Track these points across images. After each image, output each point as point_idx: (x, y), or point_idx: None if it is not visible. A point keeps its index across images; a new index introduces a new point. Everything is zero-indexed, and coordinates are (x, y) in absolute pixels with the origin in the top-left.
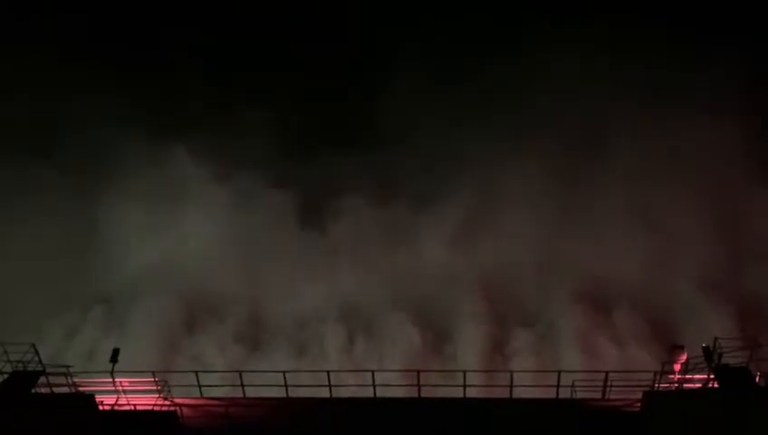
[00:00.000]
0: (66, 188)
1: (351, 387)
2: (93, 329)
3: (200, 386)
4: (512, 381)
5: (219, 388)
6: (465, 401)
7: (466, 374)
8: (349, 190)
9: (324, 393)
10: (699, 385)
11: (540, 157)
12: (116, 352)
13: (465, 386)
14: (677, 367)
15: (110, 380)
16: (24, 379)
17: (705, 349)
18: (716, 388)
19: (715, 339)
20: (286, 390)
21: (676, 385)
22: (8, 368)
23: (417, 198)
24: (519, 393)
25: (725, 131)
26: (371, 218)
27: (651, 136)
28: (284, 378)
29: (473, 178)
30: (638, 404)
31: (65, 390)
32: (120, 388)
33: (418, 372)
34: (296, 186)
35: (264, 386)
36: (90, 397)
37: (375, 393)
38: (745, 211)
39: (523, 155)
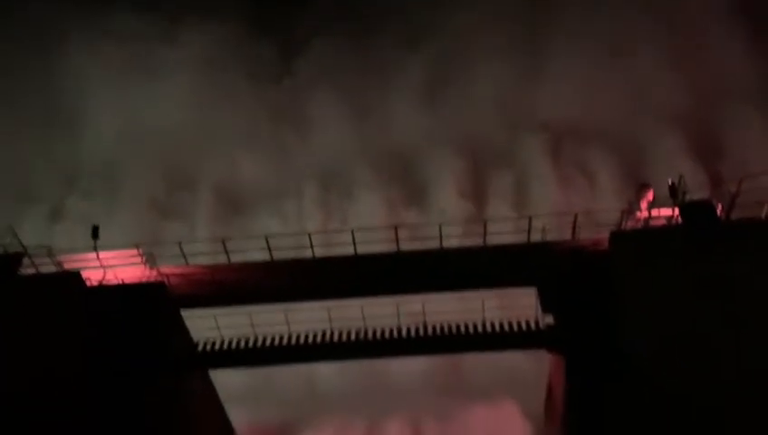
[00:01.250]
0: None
1: (333, 246)
2: (71, 209)
3: (185, 255)
4: (485, 230)
5: (204, 256)
6: (443, 253)
7: (442, 226)
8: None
9: (307, 254)
10: (664, 222)
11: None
12: (96, 229)
13: (441, 238)
14: (644, 205)
15: (95, 256)
16: (6, 262)
17: (671, 186)
18: (680, 224)
19: (680, 176)
20: (270, 253)
21: (643, 223)
22: None
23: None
24: (493, 240)
25: None
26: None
27: None
28: (267, 242)
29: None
30: (607, 243)
31: (50, 269)
32: (106, 263)
33: (396, 227)
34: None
35: (248, 251)
36: (75, 274)
37: (356, 251)
38: (713, 48)
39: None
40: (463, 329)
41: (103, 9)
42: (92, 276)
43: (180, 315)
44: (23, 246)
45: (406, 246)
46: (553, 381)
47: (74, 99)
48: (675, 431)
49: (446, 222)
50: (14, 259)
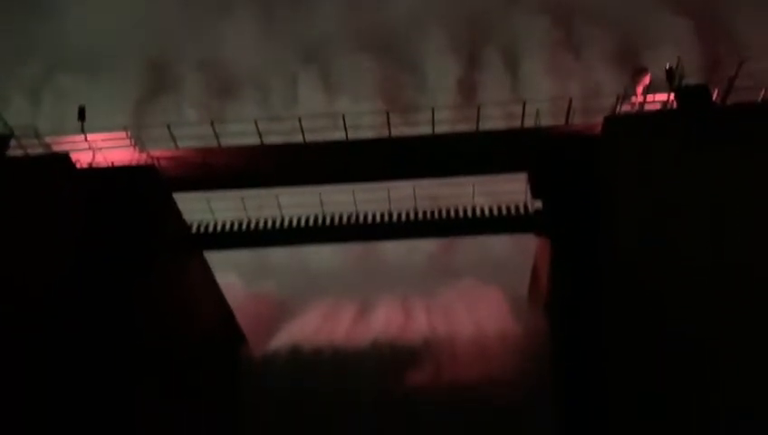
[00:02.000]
0: None
1: (323, 131)
2: (55, 93)
3: (174, 138)
4: (478, 115)
5: (194, 139)
6: (435, 137)
7: (435, 111)
8: None
9: (297, 138)
10: (659, 107)
11: None
12: (82, 110)
13: (433, 122)
14: (640, 90)
15: (82, 138)
16: None
17: (668, 70)
18: (674, 108)
19: (678, 59)
20: (260, 137)
21: (638, 108)
22: None
23: None
24: (486, 126)
25: None
26: None
27: None
28: (257, 126)
29: None
30: (600, 128)
31: (38, 151)
32: (94, 146)
33: (387, 112)
34: None
35: (238, 135)
36: (65, 156)
37: (347, 136)
38: None
39: None
40: (453, 214)
41: None
42: (81, 159)
43: (172, 198)
44: (9, 128)
45: (397, 131)
46: (539, 264)
47: None
48: (656, 316)
49: (438, 106)
50: (1, 141)
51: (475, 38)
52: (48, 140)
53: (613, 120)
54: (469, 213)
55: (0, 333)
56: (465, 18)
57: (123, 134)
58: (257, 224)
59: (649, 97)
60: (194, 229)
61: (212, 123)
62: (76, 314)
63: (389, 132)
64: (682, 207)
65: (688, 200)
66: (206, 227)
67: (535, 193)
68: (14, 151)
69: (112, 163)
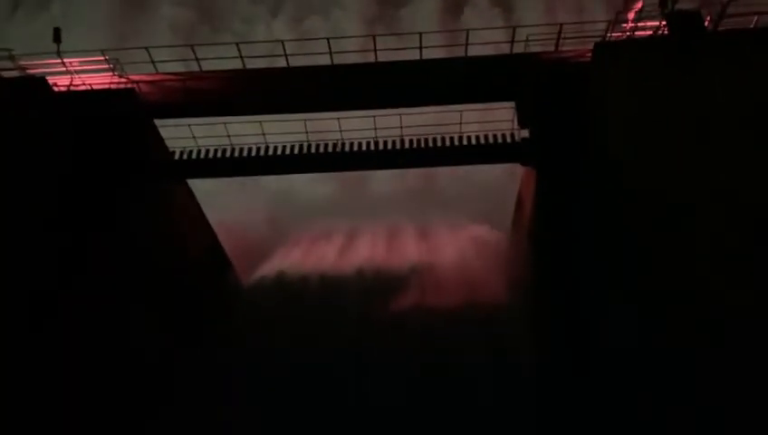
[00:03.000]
0: None
1: (308, 55)
2: (27, 14)
3: (153, 62)
4: (467, 40)
5: (174, 63)
6: (422, 63)
7: (422, 36)
8: None
9: (281, 63)
10: (650, 33)
11: None
12: (57, 31)
13: (420, 48)
14: (631, 15)
15: (59, 61)
16: None
17: None
18: (666, 34)
19: None
20: (242, 61)
21: (629, 35)
22: None
23: None
24: (475, 51)
25: None
26: None
27: None
28: (238, 49)
29: None
30: (590, 55)
31: (13, 75)
32: (72, 69)
33: (374, 36)
34: None
35: (220, 58)
36: (42, 79)
37: (332, 61)
38: None
39: None
40: (440, 142)
41: None
42: (59, 82)
43: (154, 124)
44: None
45: (384, 56)
46: (523, 194)
47: None
48: (642, 245)
49: (426, 31)
50: None
51: None
52: (23, 62)
53: (603, 46)
54: (456, 142)
55: None
56: None
57: (101, 57)
58: (241, 152)
59: (641, 23)
60: (176, 156)
61: (192, 47)
62: (61, 241)
63: (375, 57)
64: (672, 132)
65: (678, 126)
66: (189, 154)
67: (522, 122)
68: None
69: (91, 87)
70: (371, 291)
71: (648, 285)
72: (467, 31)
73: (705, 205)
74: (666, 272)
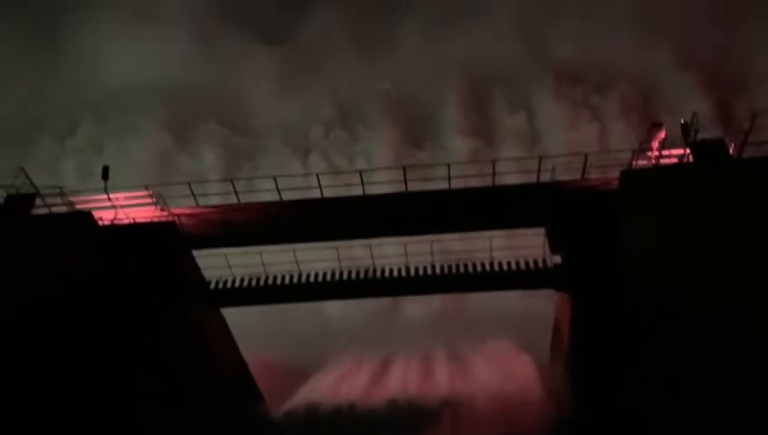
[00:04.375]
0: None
1: (341, 187)
2: (80, 150)
3: (195, 196)
4: (494, 169)
5: (214, 197)
6: (451, 192)
7: (450, 166)
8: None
9: (315, 194)
10: (676, 161)
11: None
12: (106, 170)
13: (449, 178)
14: (655, 144)
15: (105, 196)
16: (19, 202)
17: (684, 125)
18: (691, 162)
19: (693, 114)
20: (279, 193)
21: (654, 162)
22: (2, 192)
23: None
24: (501, 180)
25: None
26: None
27: None
28: (276, 182)
29: None
30: (617, 183)
31: (62, 210)
32: (117, 204)
33: (404, 168)
34: None
35: (258, 191)
36: (87, 214)
37: (364, 191)
38: None
39: None
40: (471, 268)
41: None
42: (104, 216)
43: (192, 255)
44: (34, 187)
45: (414, 186)
46: (560, 320)
47: (78, 41)
48: (678, 371)
49: (454, 162)
50: (27, 199)
51: (489, 94)
52: (72, 198)
53: (630, 174)
54: (487, 267)
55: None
56: (478, 74)
57: (145, 192)
58: (275, 280)
59: (665, 151)
60: (212, 286)
61: (231, 181)
62: (98, 369)
63: (406, 187)
64: (701, 260)
65: (708, 253)
66: (224, 284)
67: (554, 248)
68: (39, 210)
69: (134, 220)
70: (404, 424)
71: (690, 409)
72: (494, 161)
73: (735, 328)
74: (703, 396)
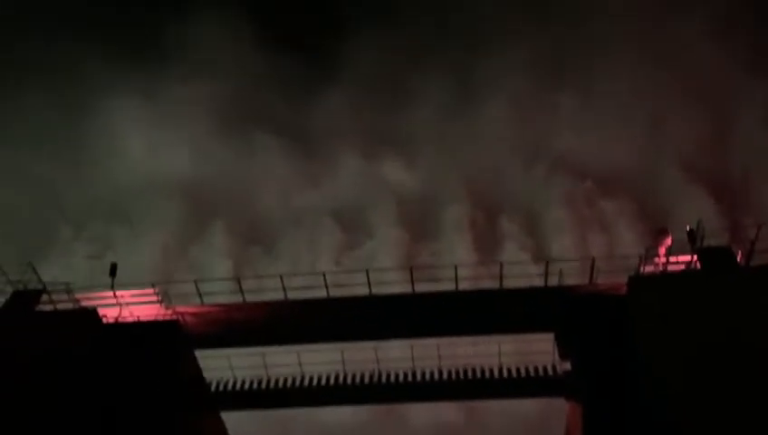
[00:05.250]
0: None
1: (347, 286)
2: (92, 244)
3: (200, 294)
4: (501, 272)
5: (219, 295)
6: (458, 294)
7: (457, 268)
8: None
9: (321, 293)
10: (683, 267)
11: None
12: (114, 267)
13: (456, 280)
14: (662, 250)
15: (111, 293)
16: (25, 298)
17: (690, 232)
18: (699, 269)
19: (699, 221)
20: (284, 292)
21: (661, 268)
22: (9, 288)
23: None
24: (509, 283)
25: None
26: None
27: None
28: (282, 281)
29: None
30: (625, 288)
31: (68, 306)
32: (122, 301)
33: (411, 269)
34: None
35: (263, 290)
36: (92, 311)
37: (370, 291)
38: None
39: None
40: (479, 374)
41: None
42: (109, 314)
43: (194, 355)
44: (41, 283)
45: (421, 287)
46: (571, 428)
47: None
48: None
49: (461, 264)
50: (33, 296)
51: (495, 198)
52: (78, 295)
53: (637, 280)
54: (495, 374)
55: None
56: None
57: (151, 290)
58: (276, 383)
59: (672, 258)
60: (213, 388)
61: (238, 280)
62: None
63: (413, 288)
64: (711, 366)
65: (716, 359)
66: (225, 386)
67: (563, 354)
68: (44, 306)
69: (138, 318)
70: None
71: None
72: (501, 263)
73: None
74: None
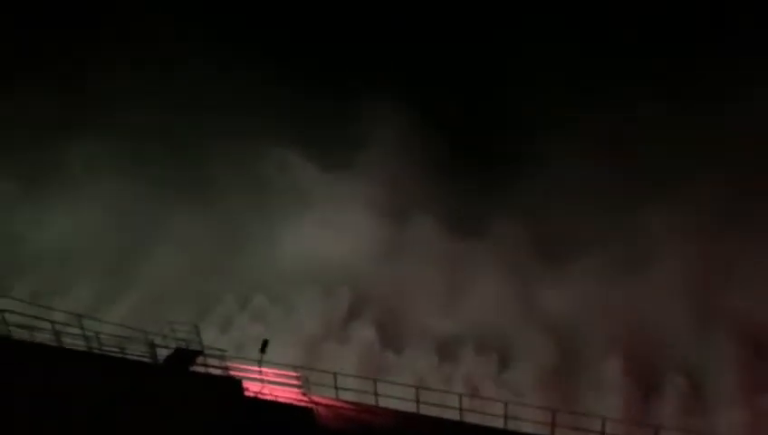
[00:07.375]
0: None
1: (480, 413)
2: (249, 319)
3: (337, 388)
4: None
5: (354, 392)
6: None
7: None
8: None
9: (455, 416)
10: None
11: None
12: (265, 344)
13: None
14: None
15: (258, 369)
16: (185, 356)
17: None
18: None
19: None
20: (417, 405)
21: None
22: (173, 344)
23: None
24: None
25: None
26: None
27: None
28: (416, 393)
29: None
30: None
31: (218, 372)
32: (265, 378)
33: (554, 411)
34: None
35: (397, 398)
36: (238, 382)
37: (506, 424)
38: None
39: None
40: None
41: None
42: (251, 387)
43: None
44: (201, 346)
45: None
46: None
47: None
48: None
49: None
50: (192, 356)
51: (657, 356)
52: (229, 363)
53: None
54: None
55: None
56: (644, 336)
57: (293, 374)
58: None
59: None
60: None
61: (374, 381)
62: None
63: (552, 431)
64: None
65: None
66: None
67: None
68: (198, 367)
69: (276, 398)
70: None
71: None
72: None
73: None
74: None
